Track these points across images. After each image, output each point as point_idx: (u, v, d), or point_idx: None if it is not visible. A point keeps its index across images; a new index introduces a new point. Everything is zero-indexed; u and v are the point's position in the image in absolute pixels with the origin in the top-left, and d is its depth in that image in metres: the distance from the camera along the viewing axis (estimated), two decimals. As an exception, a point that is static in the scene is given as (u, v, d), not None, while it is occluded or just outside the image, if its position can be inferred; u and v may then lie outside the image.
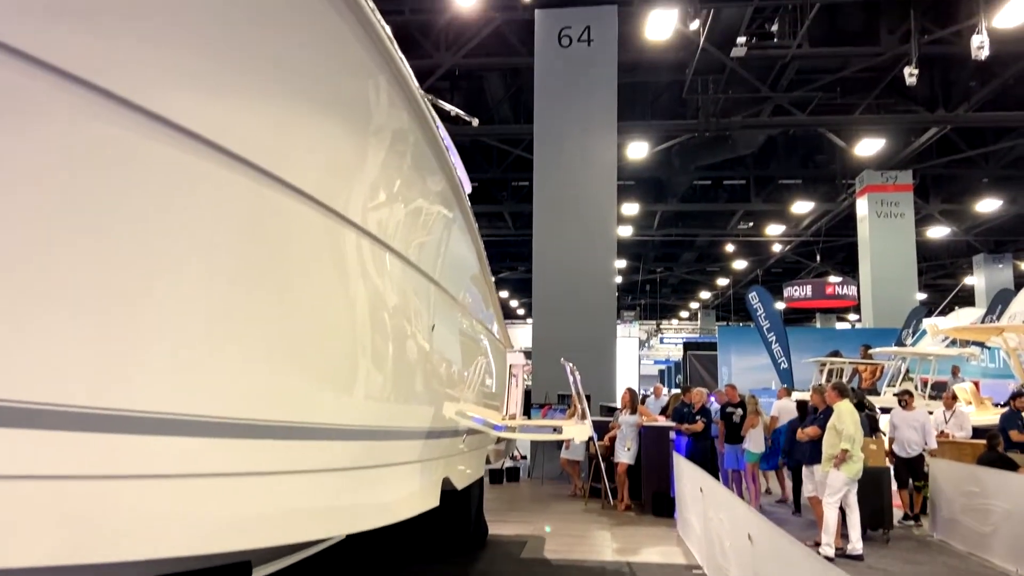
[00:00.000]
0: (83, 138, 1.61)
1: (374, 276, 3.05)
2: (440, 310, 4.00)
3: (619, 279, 36.15)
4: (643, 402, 11.97)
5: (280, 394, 2.40)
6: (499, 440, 7.42)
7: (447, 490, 4.36)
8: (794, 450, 8.60)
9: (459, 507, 6.40)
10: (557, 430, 6.00)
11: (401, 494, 3.49)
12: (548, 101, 14.69)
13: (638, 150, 20.25)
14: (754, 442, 10.19)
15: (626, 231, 27.51)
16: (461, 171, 6.58)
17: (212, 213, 1.97)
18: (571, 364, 7.43)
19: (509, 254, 34.11)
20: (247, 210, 2.09)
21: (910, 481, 9.51)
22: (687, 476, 7.99)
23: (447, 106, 6.80)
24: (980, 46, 13.54)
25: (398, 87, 2.63)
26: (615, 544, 8.27)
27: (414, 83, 2.77)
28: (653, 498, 10.21)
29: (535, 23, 14.45)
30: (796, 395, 12.45)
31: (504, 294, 42.29)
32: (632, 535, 8.78)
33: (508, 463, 13.93)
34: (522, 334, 30.42)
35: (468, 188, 6.86)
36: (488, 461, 6.85)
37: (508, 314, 47.04)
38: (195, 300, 1.96)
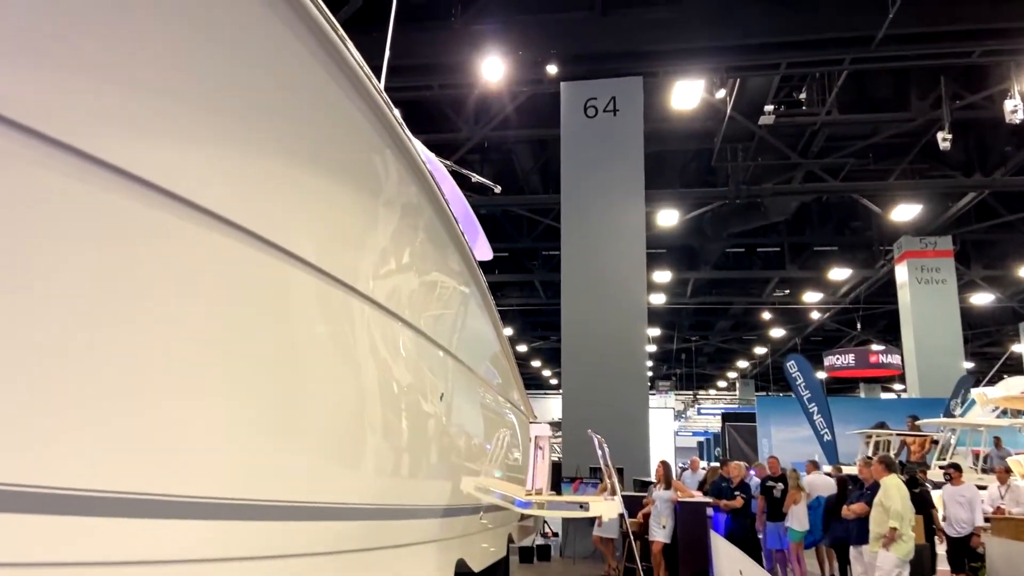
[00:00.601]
0: (87, 207, 1.51)
1: (380, 346, 2.92)
2: (451, 379, 3.84)
3: (653, 348, 35.64)
4: (680, 476, 11.51)
5: (278, 471, 2.25)
6: (524, 517, 7.08)
7: (463, 572, 4.11)
8: (836, 528, 8.12)
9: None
10: (584, 507, 5.69)
11: (409, 578, 3.27)
12: (575, 170, 14.75)
13: (668, 218, 20.19)
14: (798, 519, 9.66)
15: (659, 299, 27.24)
16: (481, 238, 6.53)
17: (212, 281, 1.87)
18: (598, 436, 7.14)
19: (541, 323, 33.94)
20: (247, 279, 1.99)
21: (965, 562, 8.89)
22: (726, 556, 7.55)
23: (471, 174, 6.84)
24: (1014, 110, 13.38)
25: (404, 161, 2.57)
26: (650, 630, 7.79)
27: (420, 156, 2.70)
28: (691, 579, 9.68)
29: (561, 95, 14.65)
30: (844, 469, 11.91)
31: (536, 364, 41.90)
32: (669, 620, 8.28)
33: (539, 540, 13.44)
34: (556, 405, 29.88)
35: (489, 255, 6.79)
36: (511, 540, 6.52)
37: (542, 385, 46.45)
38: (190, 372, 1.84)
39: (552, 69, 13.69)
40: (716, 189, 19.22)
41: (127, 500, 1.66)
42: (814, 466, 11.98)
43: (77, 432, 1.58)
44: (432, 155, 5.42)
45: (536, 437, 7.76)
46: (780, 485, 9.92)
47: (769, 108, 16.22)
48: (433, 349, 3.53)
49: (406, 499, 3.34)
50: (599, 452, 7.18)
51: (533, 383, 45.40)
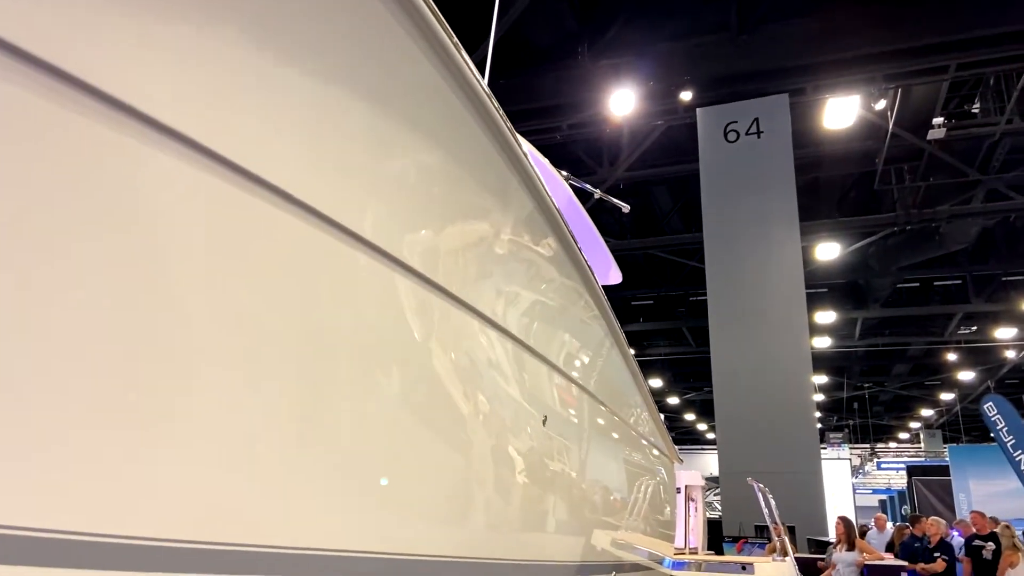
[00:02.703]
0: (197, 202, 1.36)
1: (482, 364, 2.47)
2: (567, 407, 3.20)
3: (820, 397, 32.82)
4: (863, 537, 9.98)
5: (378, 525, 1.88)
6: (670, 580, 6.12)
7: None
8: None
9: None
10: (748, 568, 4.74)
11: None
12: (717, 202, 13.77)
13: (828, 251, 18.53)
14: (1018, 588, 7.98)
15: (823, 342, 25.08)
16: (607, 259, 5.88)
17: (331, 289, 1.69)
18: (759, 484, 6.13)
19: (691, 373, 32.33)
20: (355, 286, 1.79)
21: None
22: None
23: (595, 190, 6.24)
24: None
25: (509, 159, 2.33)
26: None
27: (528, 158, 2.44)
28: (887, 660, 8.15)
29: (697, 123, 13.83)
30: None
31: (689, 417, 39.98)
32: None
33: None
34: (712, 461, 27.95)
35: (618, 277, 6.11)
36: None
37: (696, 439, 44.17)
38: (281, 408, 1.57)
39: (687, 96, 12.96)
40: (882, 215, 17.40)
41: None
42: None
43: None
44: (548, 163, 4.89)
45: (687, 487, 6.83)
46: (991, 544, 8.27)
47: (938, 121, 14.61)
48: (540, 366, 2.94)
49: (514, 553, 2.71)
50: (762, 504, 6.15)
51: (687, 437, 43.38)
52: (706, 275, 14.02)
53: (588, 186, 5.89)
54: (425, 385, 2.06)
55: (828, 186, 18.07)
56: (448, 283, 2.07)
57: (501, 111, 2.13)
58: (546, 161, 5.22)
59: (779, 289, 13.43)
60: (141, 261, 1.24)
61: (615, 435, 4.24)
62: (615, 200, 6.55)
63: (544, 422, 2.79)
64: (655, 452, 5.53)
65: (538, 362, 3.01)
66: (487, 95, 1.99)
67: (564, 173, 5.32)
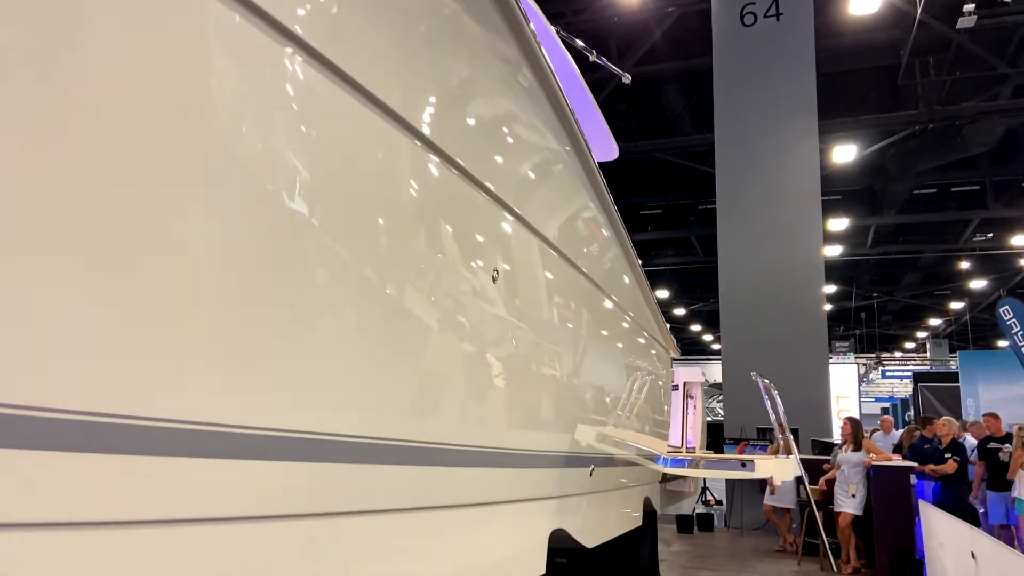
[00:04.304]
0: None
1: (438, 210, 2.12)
2: (536, 268, 2.74)
3: (828, 307, 32.32)
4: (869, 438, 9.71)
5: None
6: (667, 478, 5.80)
7: (566, 547, 3.01)
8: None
9: (616, 567, 4.92)
10: (747, 466, 4.38)
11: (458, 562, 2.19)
12: (731, 94, 12.93)
13: (845, 154, 17.73)
14: (1031, 489, 7.70)
15: (834, 251, 24.49)
16: (603, 132, 5.30)
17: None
18: (765, 380, 5.73)
19: (699, 284, 31.89)
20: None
21: None
22: (944, 533, 5.90)
23: (589, 51, 5.58)
24: None
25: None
26: (841, 622, 6.30)
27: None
28: (892, 561, 7.96)
29: (712, 6, 12.86)
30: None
31: (696, 328, 39.87)
32: (864, 609, 6.73)
33: (700, 508, 12.08)
34: (717, 371, 27.88)
35: (614, 153, 5.55)
36: (650, 506, 5.25)
37: (703, 350, 44.19)
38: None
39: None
40: (905, 113, 16.52)
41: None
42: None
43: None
44: (544, 18, 4.28)
45: (685, 384, 6.47)
46: (1007, 447, 7.97)
47: (969, 8, 13.56)
48: (526, 235, 2.59)
49: (481, 439, 2.30)
50: (767, 400, 5.78)
51: (692, 347, 43.44)
52: (716, 171, 13.38)
53: (580, 43, 5.25)
54: (404, 253, 1.85)
55: (848, 84, 17.11)
56: (439, 138, 1.92)
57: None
58: (543, 17, 4.60)
59: (793, 191, 12.84)
60: None
61: (604, 317, 3.77)
62: (614, 67, 5.92)
63: (494, 277, 2.32)
64: (648, 339, 5.06)
65: (523, 229, 2.59)
66: None
67: (556, 28, 4.69)
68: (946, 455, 8.09)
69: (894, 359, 43.51)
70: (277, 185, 1.39)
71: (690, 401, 6.15)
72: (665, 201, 22.99)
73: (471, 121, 2.28)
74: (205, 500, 1.24)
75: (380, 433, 1.81)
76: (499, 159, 2.48)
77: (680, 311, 35.80)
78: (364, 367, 1.72)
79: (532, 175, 2.87)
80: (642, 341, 4.81)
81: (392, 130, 1.74)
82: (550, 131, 2.88)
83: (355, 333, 1.68)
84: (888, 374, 41.33)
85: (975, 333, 34.56)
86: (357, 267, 1.65)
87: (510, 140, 2.63)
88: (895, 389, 39.82)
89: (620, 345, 4.22)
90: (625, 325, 4.26)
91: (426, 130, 1.87)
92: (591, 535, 3.48)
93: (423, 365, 1.99)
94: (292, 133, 1.44)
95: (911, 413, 26.03)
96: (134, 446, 1.09)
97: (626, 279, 4.34)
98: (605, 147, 5.18)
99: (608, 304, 3.81)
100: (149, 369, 1.12)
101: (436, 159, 1.95)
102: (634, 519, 4.64)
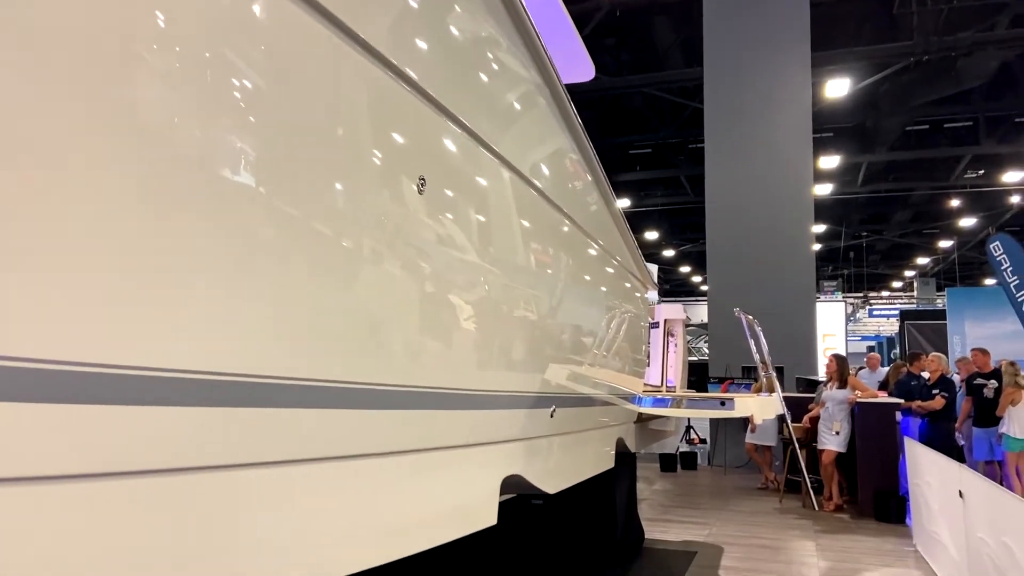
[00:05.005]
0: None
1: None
2: (510, 207, 2.48)
3: (816, 246, 32.06)
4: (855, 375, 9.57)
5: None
6: (643, 417, 5.60)
7: (533, 494, 2.80)
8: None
9: (593, 508, 4.76)
10: (727, 404, 4.16)
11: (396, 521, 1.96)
12: (721, 25, 12.47)
13: (838, 88, 17.26)
14: (1018, 424, 7.59)
15: (824, 189, 24.18)
16: (578, 49, 4.92)
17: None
18: (749, 316, 5.49)
19: (688, 225, 31.63)
20: None
21: None
22: (930, 471, 5.76)
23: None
24: None
25: None
26: (823, 562, 6.20)
27: None
28: (875, 498, 7.88)
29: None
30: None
31: (685, 269, 39.78)
32: (849, 549, 6.64)
33: (683, 447, 12.04)
34: (704, 311, 27.76)
35: (589, 73, 5.17)
36: (623, 447, 5.04)
37: (692, 292, 44.19)
38: None
39: None
40: (899, 44, 16.05)
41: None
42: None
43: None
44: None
45: (666, 322, 6.23)
46: (993, 383, 7.84)
47: (969, -69, 13.01)
48: (485, 157, 2.36)
49: (435, 379, 2.06)
50: (749, 337, 5.55)
51: (680, 289, 43.44)
52: (704, 107, 12.99)
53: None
54: (342, 173, 1.70)
55: (842, 15, 16.53)
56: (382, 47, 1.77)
57: None
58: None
59: (785, 121, 12.51)
60: None
61: (568, 243, 3.47)
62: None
63: (419, 187, 2.04)
64: (620, 270, 4.74)
65: (482, 150, 2.31)
66: None
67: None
68: (934, 391, 7.96)
69: (881, 298, 43.64)
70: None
71: (671, 339, 5.92)
72: (655, 140, 22.57)
73: (416, 27, 2.05)
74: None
75: (300, 373, 1.55)
76: (451, 70, 2.26)
77: (669, 252, 35.62)
78: (283, 295, 1.49)
79: (488, 88, 2.59)
80: (613, 272, 4.51)
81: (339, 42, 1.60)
82: (510, 47, 2.67)
83: (276, 260, 1.46)
84: (875, 313, 41.49)
85: (962, 272, 34.59)
86: (289, 184, 1.48)
87: (464, 51, 2.41)
88: (881, 328, 40.00)
89: (587, 276, 3.92)
90: (593, 254, 3.96)
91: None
92: (552, 480, 3.25)
93: (350, 292, 1.72)
94: (215, 29, 1.30)
95: (897, 351, 26.13)
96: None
97: (594, 205, 4.03)
98: (580, 67, 4.80)
99: (573, 229, 3.51)
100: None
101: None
102: (604, 461, 4.43)
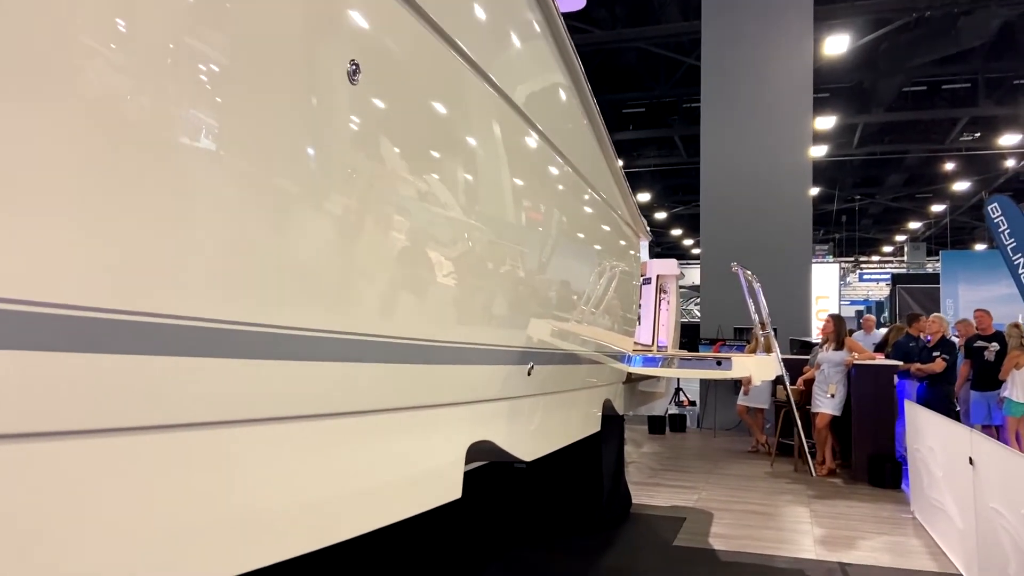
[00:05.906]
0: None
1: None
2: (493, 137, 2.15)
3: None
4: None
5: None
6: (633, 378, 5.30)
7: (513, 461, 2.49)
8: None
9: (578, 473, 4.48)
10: (723, 364, 3.86)
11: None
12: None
13: (837, 44, 16.80)
14: (1021, 387, 7.36)
15: (819, 151, 23.80)
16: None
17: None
18: (748, 272, 5.17)
19: (681, 186, 31.27)
20: None
21: None
22: (935, 436, 5.50)
23: None
24: None
25: None
26: (818, 529, 5.98)
27: None
28: (870, 462, 7.68)
29: None
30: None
31: (677, 232, 39.48)
32: (842, 515, 6.43)
33: (673, 409, 11.83)
34: (696, 274, 27.49)
35: (581, 2, 4.76)
36: (611, 409, 4.75)
37: (683, 255, 43.95)
38: None
39: None
40: (901, -2, 15.59)
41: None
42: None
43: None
44: None
45: (659, 277, 5.91)
46: (994, 345, 7.59)
47: None
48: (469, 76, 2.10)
49: (409, 330, 1.78)
50: (747, 294, 5.24)
51: (672, 252, 43.21)
52: (700, 62, 12.55)
53: None
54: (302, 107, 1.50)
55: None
56: None
57: None
58: None
59: (783, 78, 12.14)
60: None
61: (554, 181, 3.11)
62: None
63: (350, 74, 1.71)
64: (610, 216, 4.36)
65: (466, 68, 1.98)
66: None
67: None
68: (934, 353, 7.71)
69: (871, 263, 43.54)
70: None
71: (663, 296, 5.60)
72: (649, 99, 22.11)
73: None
74: None
75: (234, 316, 1.23)
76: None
77: (661, 215, 35.23)
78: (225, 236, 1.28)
79: (498, 36, 2.28)
80: (602, 217, 4.13)
81: None
82: None
83: (232, 196, 1.29)
84: (865, 277, 41.42)
85: (953, 236, 34.43)
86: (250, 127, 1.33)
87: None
88: (871, 292, 39.97)
89: (574, 221, 3.55)
90: (584, 196, 3.60)
91: None
92: (529, 446, 2.92)
93: (298, 232, 1.41)
94: None
95: (887, 315, 26.03)
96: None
97: (596, 153, 3.65)
98: (570, -4, 4.40)
99: (560, 164, 3.14)
100: None
101: None
102: (589, 424, 4.13)
